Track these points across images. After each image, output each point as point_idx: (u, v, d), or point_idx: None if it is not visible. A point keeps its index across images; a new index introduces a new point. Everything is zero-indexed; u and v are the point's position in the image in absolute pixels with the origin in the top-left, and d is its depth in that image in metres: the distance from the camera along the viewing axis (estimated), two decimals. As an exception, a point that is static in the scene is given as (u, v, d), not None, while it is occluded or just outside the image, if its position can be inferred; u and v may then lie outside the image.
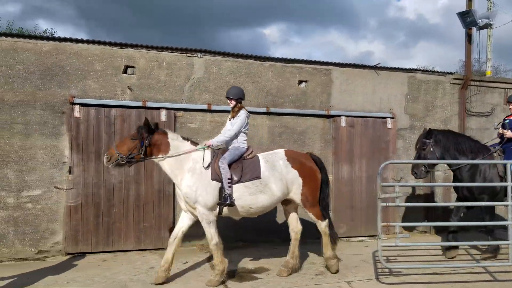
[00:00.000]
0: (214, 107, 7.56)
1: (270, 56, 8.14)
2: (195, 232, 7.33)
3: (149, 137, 5.34)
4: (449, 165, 6.75)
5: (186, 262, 6.28)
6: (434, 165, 6.76)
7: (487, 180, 6.35)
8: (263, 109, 7.84)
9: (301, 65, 8.23)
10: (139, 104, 7.14)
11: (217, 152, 5.53)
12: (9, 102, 6.57)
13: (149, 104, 7.18)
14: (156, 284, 5.22)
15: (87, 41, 7.03)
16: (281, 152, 5.83)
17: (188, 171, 5.35)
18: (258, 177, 5.45)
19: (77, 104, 6.81)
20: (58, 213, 6.68)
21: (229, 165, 5.40)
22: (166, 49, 7.41)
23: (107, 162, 5.29)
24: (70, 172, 6.71)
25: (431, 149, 6.38)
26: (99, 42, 7.07)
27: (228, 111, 7.57)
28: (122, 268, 5.95)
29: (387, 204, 5.28)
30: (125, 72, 7.17)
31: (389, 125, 8.61)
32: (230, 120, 5.84)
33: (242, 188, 5.38)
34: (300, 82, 8.21)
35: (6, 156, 6.50)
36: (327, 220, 5.81)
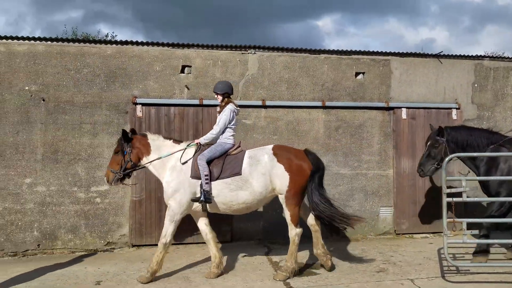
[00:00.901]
0: (268, 103, 7.58)
1: (325, 48, 8.02)
2: (251, 227, 7.45)
3: (129, 145, 5.54)
4: (462, 160, 6.26)
5: (245, 256, 6.36)
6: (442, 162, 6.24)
7: (504, 174, 5.73)
8: (319, 103, 7.73)
9: (358, 57, 8.00)
10: (196, 102, 7.33)
11: (203, 149, 5.52)
12: (78, 103, 7.04)
13: (205, 102, 7.35)
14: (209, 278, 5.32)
15: (147, 43, 7.34)
16: (269, 147, 5.68)
17: (169, 168, 5.47)
18: (238, 173, 5.36)
19: (139, 104, 7.14)
20: (124, 207, 7.06)
21: (210, 161, 5.39)
22: (221, 47, 7.54)
23: (107, 183, 5.65)
24: (134, 169, 7.06)
25: (444, 148, 6.01)
26: (158, 44, 7.36)
27: (282, 106, 7.65)
28: (183, 260, 6.17)
29: (453, 199, 4.98)
30: (182, 71, 7.40)
31: (454, 116, 8.13)
32: (218, 115, 5.79)
33: (222, 185, 5.34)
34: (357, 74, 7.99)
35: (77, 154, 6.98)
36: (301, 229, 5.45)
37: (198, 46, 7.46)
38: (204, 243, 7.09)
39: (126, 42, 7.29)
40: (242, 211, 5.60)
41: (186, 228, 7.13)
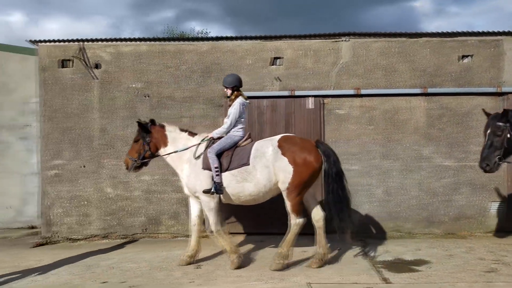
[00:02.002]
0: (363, 92, 7.28)
1: (425, 31, 7.46)
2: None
3: (148, 135, 5.77)
4: None
5: (340, 249, 6.20)
6: (510, 154, 5.23)
7: None
8: (419, 90, 7.21)
9: (463, 38, 7.30)
10: (287, 93, 7.32)
11: (214, 142, 5.54)
12: (177, 99, 7.47)
13: (296, 93, 7.31)
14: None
15: (239, 38, 7.51)
16: (276, 138, 5.50)
17: (186, 161, 5.62)
18: (245, 164, 5.33)
19: (233, 96, 7.34)
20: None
21: (221, 154, 5.43)
22: (312, 36, 7.42)
23: (126, 169, 5.95)
24: (228, 160, 7.29)
25: (508, 136, 5.04)
26: (249, 37, 7.48)
27: (378, 95, 7.30)
28: (273, 249, 6.20)
29: None
30: (273, 63, 7.43)
31: None
32: (229, 108, 5.73)
33: (230, 176, 5.38)
34: (462, 57, 7.30)
35: (177, 146, 7.42)
36: (303, 219, 5.28)
37: (289, 37, 7.43)
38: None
39: (220, 38, 7.53)
40: (249, 202, 5.59)
41: (273, 220, 7.19)
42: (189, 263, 5.62)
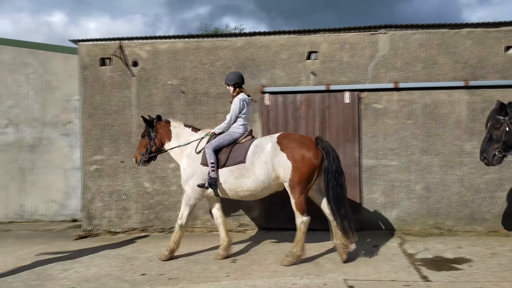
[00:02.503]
0: (401, 85, 7.08)
1: (467, 22, 7.15)
2: (383, 216, 7.10)
3: (154, 130, 6.02)
4: None
5: (376, 246, 6.09)
6: (511, 148, 5.05)
7: None
8: (460, 83, 6.94)
9: (508, 28, 6.96)
10: (323, 88, 7.23)
11: (214, 138, 5.68)
12: (212, 95, 7.53)
13: (332, 87, 7.20)
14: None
15: (274, 33, 7.47)
16: (275, 135, 5.56)
17: (186, 155, 5.82)
18: (242, 162, 5.39)
19: (267, 92, 7.33)
20: (254, 192, 7.36)
21: (219, 150, 5.54)
22: (348, 29, 7.29)
23: (136, 163, 6.26)
24: (263, 155, 7.30)
25: (507, 129, 4.89)
26: (284, 32, 7.43)
27: (417, 88, 7.10)
28: (312, 245, 6.16)
29: None
30: (308, 57, 7.36)
31: None
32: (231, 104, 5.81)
33: (228, 172, 5.46)
34: (508, 48, 6.96)
35: (212, 141, 7.49)
36: (308, 218, 5.27)
37: (324, 30, 7.32)
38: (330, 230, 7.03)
39: (254, 33, 7.53)
40: (247, 197, 5.66)
41: (314, 215, 7.14)
42: (225, 257, 5.67)
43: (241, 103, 5.69)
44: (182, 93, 7.57)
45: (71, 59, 8.68)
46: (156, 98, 7.63)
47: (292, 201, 5.32)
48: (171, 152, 6.07)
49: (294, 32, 7.39)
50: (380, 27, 7.20)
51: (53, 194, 8.92)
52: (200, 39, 7.63)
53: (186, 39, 7.63)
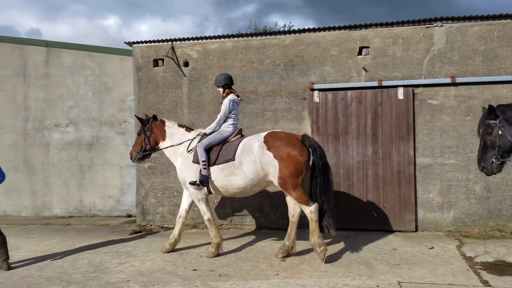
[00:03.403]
0: (459, 80, 6.73)
1: (532, 10, 6.66)
2: (439, 217, 6.78)
3: (148, 129, 6.26)
4: None
5: (432, 248, 5.83)
6: (510, 152, 4.66)
7: None
8: (525, 76, 6.49)
9: None
10: (375, 84, 7.02)
11: (205, 137, 5.86)
12: (261, 93, 7.55)
13: (385, 83, 6.98)
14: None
15: (323, 29, 7.35)
16: (263, 134, 5.67)
17: (180, 154, 6.05)
18: (231, 160, 5.56)
19: (316, 89, 7.24)
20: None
21: (210, 149, 5.72)
22: (401, 23, 7.03)
23: (131, 160, 6.55)
24: (312, 153, 7.21)
25: (500, 133, 4.55)
26: (334, 28, 7.30)
27: (477, 83, 6.74)
28: (364, 246, 6.02)
29: None
30: (359, 53, 7.18)
31: None
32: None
33: (218, 170, 5.64)
34: None
35: (261, 139, 7.51)
36: (314, 205, 5.29)
37: (376, 25, 7.11)
38: (382, 230, 6.83)
39: (303, 30, 7.45)
40: (238, 194, 5.83)
41: (364, 214, 6.97)
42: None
43: (230, 103, 5.87)
44: (231, 91, 7.64)
45: (126, 61, 9.03)
46: (206, 97, 7.76)
47: (292, 197, 5.45)
48: (166, 152, 6.31)
49: (344, 27, 7.24)
50: (435, 20, 6.87)
51: (109, 190, 9.33)
52: (249, 38, 7.66)
53: (235, 39, 7.70)
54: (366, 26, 7.13)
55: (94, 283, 4.84)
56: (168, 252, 6.04)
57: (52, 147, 9.55)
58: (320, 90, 7.22)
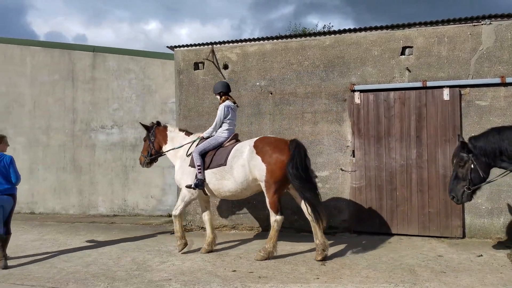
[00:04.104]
0: (509, 80, 6.41)
1: None
2: (489, 224, 6.46)
3: (152, 134, 6.70)
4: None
5: (481, 255, 5.56)
6: (480, 182, 4.96)
7: None
8: None
9: None
10: (419, 84, 6.80)
11: (202, 142, 6.16)
12: (300, 95, 7.50)
13: (429, 84, 6.75)
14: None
15: (364, 29, 7.21)
16: (254, 139, 5.89)
17: (179, 158, 6.38)
18: (223, 164, 5.81)
19: (357, 91, 7.10)
20: (343, 193, 7.17)
21: (206, 153, 5.99)
22: (447, 22, 6.77)
23: (140, 165, 7.01)
24: (353, 155, 7.08)
25: (472, 166, 4.85)
26: (375, 28, 7.14)
27: (530, 82, 6.36)
28: (408, 252, 5.83)
29: None
30: (402, 53, 6.98)
31: None
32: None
33: (211, 174, 5.92)
34: None
35: (300, 141, 7.46)
36: (280, 217, 5.59)
37: (420, 24, 6.89)
38: (427, 236, 6.60)
39: (343, 31, 7.34)
40: (229, 197, 6.09)
41: (408, 219, 6.76)
42: (209, 251, 6.15)
43: (225, 109, 6.13)
44: (270, 93, 7.65)
45: (168, 64, 9.25)
46: (245, 99, 7.81)
47: (267, 200, 5.65)
48: (168, 154, 6.68)
49: (386, 27, 7.06)
50: (483, 17, 6.57)
51: (151, 190, 9.58)
52: (288, 40, 7.64)
53: (274, 41, 7.70)
54: (410, 25, 6.92)
55: (137, 280, 4.98)
56: (208, 252, 6.15)
57: (98, 148, 9.93)
58: (361, 91, 7.08)
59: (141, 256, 6.08)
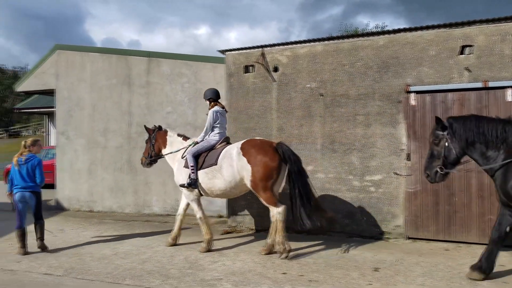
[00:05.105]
0: None
1: None
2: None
3: (153, 138, 7.25)
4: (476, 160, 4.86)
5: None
6: (454, 163, 4.91)
7: None
8: None
9: None
10: (479, 85, 6.45)
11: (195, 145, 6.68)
12: (352, 96, 7.36)
13: (491, 84, 6.38)
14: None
15: (420, 28, 6.95)
16: (241, 141, 6.38)
17: (176, 160, 6.90)
18: (213, 164, 6.32)
19: (413, 92, 6.85)
20: (398, 198, 6.94)
21: (199, 155, 6.50)
22: (511, 19, 6.37)
23: (141, 165, 7.60)
24: (408, 159, 6.83)
25: (446, 144, 4.83)
26: (432, 27, 6.86)
27: None
28: (467, 260, 5.53)
29: None
30: (461, 52, 6.65)
31: None
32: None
33: (203, 174, 6.41)
34: None
35: (351, 144, 7.31)
36: (283, 207, 5.93)
37: (481, 21, 6.53)
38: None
39: (398, 30, 7.12)
40: (221, 196, 6.65)
41: (467, 226, 6.42)
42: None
43: (214, 114, 6.64)
44: (321, 95, 7.57)
45: (219, 68, 9.42)
46: (295, 102, 7.78)
47: (261, 199, 6.10)
48: (166, 157, 7.16)
49: (444, 25, 6.77)
50: (554, 11, 6.12)
51: (202, 191, 9.76)
52: (340, 41, 7.52)
53: (325, 42, 7.61)
54: (469, 23, 6.59)
55: (190, 279, 5.09)
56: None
57: (151, 150, 10.28)
58: (417, 92, 6.83)
59: (193, 255, 6.22)
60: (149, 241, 7.23)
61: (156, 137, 7.29)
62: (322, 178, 7.49)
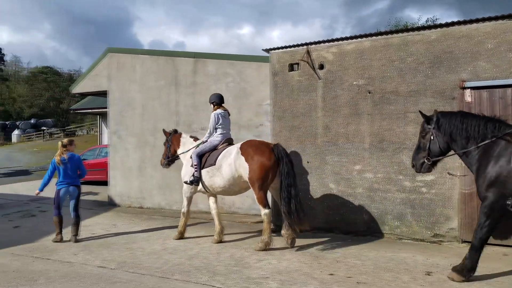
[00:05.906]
0: None
1: None
2: None
3: (169, 140, 7.86)
4: (459, 154, 5.02)
5: None
6: (439, 156, 5.08)
7: (494, 174, 4.51)
8: None
9: None
10: (544, 79, 6.01)
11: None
12: (402, 93, 7.09)
13: (557, 78, 5.93)
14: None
15: (476, 20, 6.57)
16: (241, 142, 6.80)
17: (186, 159, 7.43)
18: (213, 164, 6.80)
19: (468, 88, 6.50)
20: (451, 199, 6.61)
21: (203, 155, 7.03)
22: None
23: (161, 166, 8.12)
24: (462, 159, 6.49)
25: (431, 138, 5.01)
26: (489, 19, 6.46)
27: None
28: (500, 264, 5.17)
29: None
30: (523, 45, 6.23)
31: None
32: None
33: (205, 173, 6.92)
34: None
35: (401, 143, 7.05)
36: (269, 210, 6.35)
37: (546, 10, 6.08)
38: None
39: (451, 24, 6.78)
40: (221, 193, 7.14)
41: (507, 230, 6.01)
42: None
43: (215, 116, 7.14)
44: (369, 93, 7.36)
45: (263, 67, 9.41)
46: (341, 100, 7.62)
47: (255, 196, 6.46)
48: (181, 157, 7.71)
49: (502, 17, 6.35)
50: None
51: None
52: (389, 36, 7.27)
53: (374, 37, 7.39)
54: (533, 12, 6.15)
55: (236, 276, 5.12)
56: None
57: (198, 149, 10.46)
58: (472, 88, 6.47)
59: (239, 253, 6.26)
60: (195, 237, 7.36)
61: (172, 140, 7.88)
62: (371, 178, 7.28)
